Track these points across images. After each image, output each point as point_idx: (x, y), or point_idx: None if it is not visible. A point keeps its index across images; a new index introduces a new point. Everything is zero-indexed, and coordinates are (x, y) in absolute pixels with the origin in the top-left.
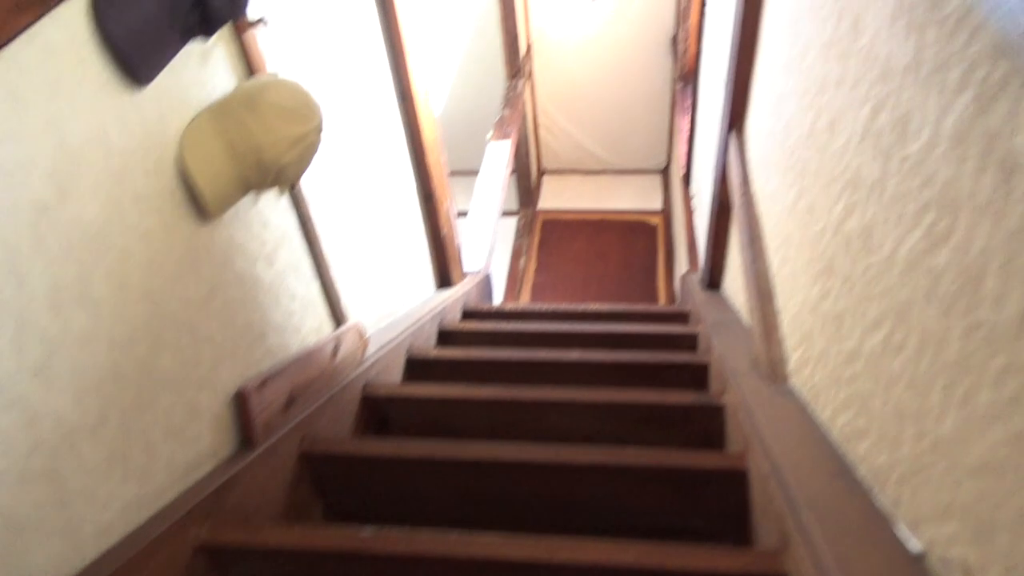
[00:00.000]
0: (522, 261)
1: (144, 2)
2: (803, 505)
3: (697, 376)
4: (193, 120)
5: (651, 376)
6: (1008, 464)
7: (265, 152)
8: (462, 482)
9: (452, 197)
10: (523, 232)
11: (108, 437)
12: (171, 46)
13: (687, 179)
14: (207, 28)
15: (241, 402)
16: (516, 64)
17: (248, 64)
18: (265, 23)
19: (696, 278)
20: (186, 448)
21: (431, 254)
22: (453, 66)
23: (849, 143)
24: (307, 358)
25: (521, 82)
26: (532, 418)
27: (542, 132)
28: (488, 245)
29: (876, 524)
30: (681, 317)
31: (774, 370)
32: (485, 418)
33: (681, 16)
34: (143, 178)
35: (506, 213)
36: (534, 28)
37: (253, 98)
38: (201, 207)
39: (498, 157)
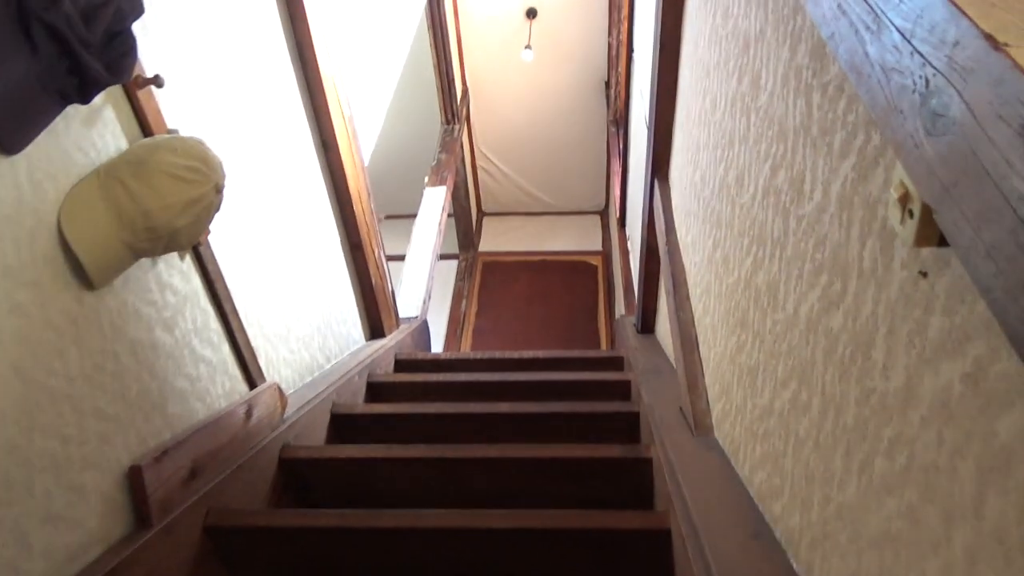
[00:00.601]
0: (463, 305)
1: (12, 69)
2: (718, 570)
3: (630, 426)
4: (76, 185)
5: (583, 427)
6: (902, 538)
7: (155, 217)
8: (381, 550)
9: (382, 245)
10: (464, 275)
11: None
12: (45, 112)
13: (622, 221)
14: (85, 94)
15: (134, 479)
16: (452, 109)
17: (143, 124)
18: (160, 82)
19: (631, 322)
20: (68, 534)
21: (360, 304)
22: (387, 111)
23: (755, 198)
24: (214, 425)
25: (457, 127)
26: (458, 477)
27: (481, 175)
28: (424, 291)
29: None
30: (616, 363)
31: (699, 421)
32: (410, 478)
33: (612, 62)
34: (14, 249)
35: (446, 256)
36: (469, 73)
37: (142, 160)
38: (85, 276)
39: (434, 202)
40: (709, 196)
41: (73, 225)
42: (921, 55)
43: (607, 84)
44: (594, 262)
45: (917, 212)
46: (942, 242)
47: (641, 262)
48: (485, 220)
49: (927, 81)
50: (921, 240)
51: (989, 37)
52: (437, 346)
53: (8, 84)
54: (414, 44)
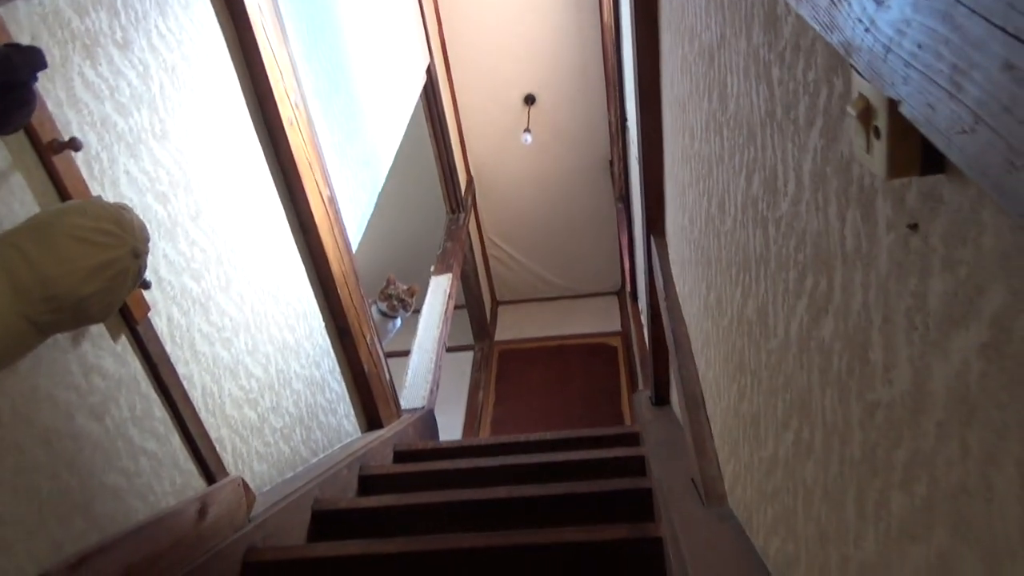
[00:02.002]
0: (480, 396)
1: None
2: None
3: (642, 504)
4: None
5: (591, 509)
6: None
7: (56, 284)
8: None
9: (375, 331)
10: (480, 366)
11: None
12: None
13: (634, 295)
14: None
15: None
16: (456, 197)
17: (60, 191)
18: (78, 146)
19: (646, 395)
20: None
21: (353, 393)
22: (389, 203)
23: (736, 219)
24: (156, 525)
25: (463, 216)
26: (447, 572)
27: (492, 263)
28: (431, 380)
29: None
30: (631, 438)
31: (710, 490)
32: None
33: (613, 139)
34: None
35: (462, 348)
36: (473, 162)
37: (44, 224)
38: None
39: (440, 289)
40: (698, 236)
41: None
42: None
43: (611, 162)
44: (613, 343)
45: (884, 124)
46: (924, 168)
47: (649, 328)
48: (500, 309)
49: None
50: (897, 166)
51: None
52: (449, 437)
53: None
54: (413, 136)
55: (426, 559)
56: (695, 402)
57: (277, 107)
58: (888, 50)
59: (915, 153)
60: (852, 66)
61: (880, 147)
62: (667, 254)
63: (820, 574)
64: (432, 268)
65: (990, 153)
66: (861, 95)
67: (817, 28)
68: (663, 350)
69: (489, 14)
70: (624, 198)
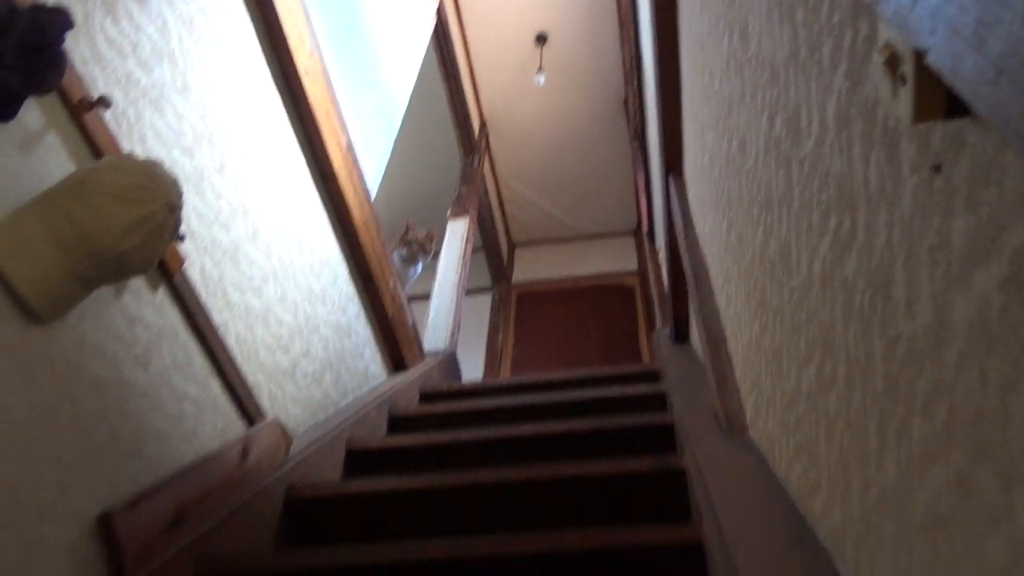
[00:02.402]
0: (500, 338)
1: None
2: None
3: (664, 438)
4: (15, 213)
5: (614, 444)
6: (955, 517)
7: (97, 240)
8: None
9: (397, 276)
10: (498, 308)
11: None
12: None
13: (651, 235)
14: (3, 110)
15: (105, 528)
16: (470, 141)
17: (93, 148)
18: (108, 103)
19: (665, 333)
20: None
21: (378, 337)
22: (404, 149)
23: (757, 159)
24: (203, 466)
25: (477, 158)
26: (481, 505)
27: (508, 206)
28: (451, 323)
29: None
30: (650, 376)
31: (732, 422)
32: (430, 511)
33: (628, 78)
34: None
35: (480, 290)
36: (485, 104)
37: (82, 182)
38: (30, 310)
39: (457, 233)
40: (719, 176)
41: (11, 256)
42: None
43: (625, 101)
44: (630, 283)
45: (910, 72)
46: (949, 113)
47: (668, 267)
48: (516, 251)
49: None
50: (922, 111)
51: None
52: (471, 379)
53: None
54: (424, 75)
55: (456, 493)
56: (716, 338)
57: (293, 56)
58: (915, 1)
59: (940, 100)
60: (879, 15)
61: (906, 93)
62: (686, 194)
63: (842, 499)
64: (449, 212)
65: (1012, 104)
66: (887, 43)
67: None
68: (682, 289)
69: None
70: (639, 137)
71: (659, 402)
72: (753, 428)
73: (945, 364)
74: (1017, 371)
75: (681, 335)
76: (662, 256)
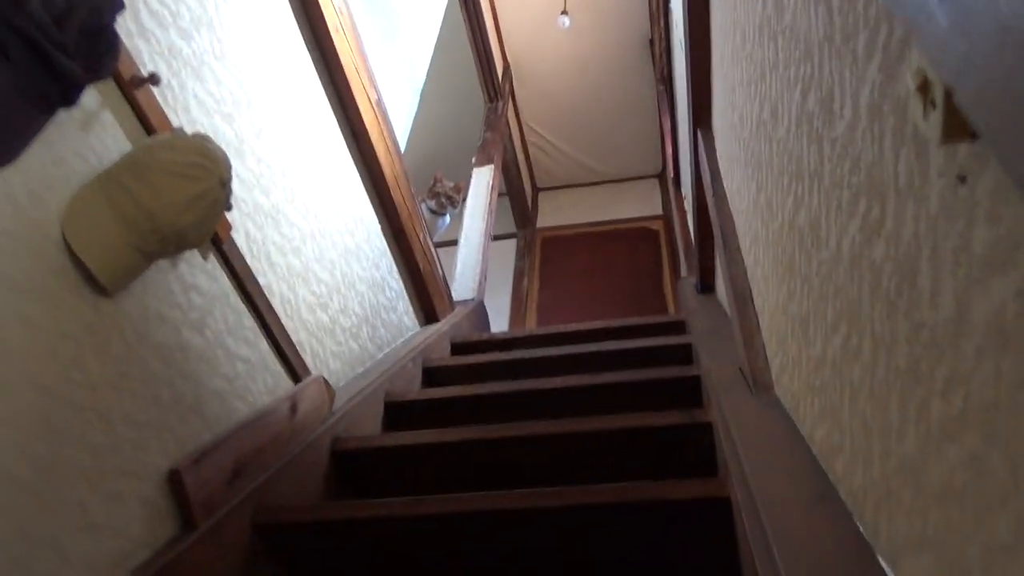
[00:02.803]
0: (525, 283)
1: None
2: (776, 541)
3: (692, 390)
4: (79, 192)
5: (642, 396)
6: (968, 491)
7: (159, 217)
8: (433, 537)
9: (426, 229)
10: (524, 253)
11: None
12: (30, 121)
13: (677, 181)
14: (67, 97)
15: (174, 482)
16: (494, 86)
17: (145, 124)
18: (157, 80)
19: (691, 282)
20: (110, 542)
21: (410, 290)
22: (426, 95)
23: (789, 130)
24: (257, 422)
25: (501, 104)
26: (513, 456)
27: (532, 150)
28: (479, 272)
29: (856, 561)
30: (677, 327)
31: (758, 379)
32: (464, 461)
33: (654, 18)
34: (17, 263)
35: (505, 236)
36: (509, 48)
37: (140, 162)
38: (98, 283)
39: (483, 181)
40: (748, 137)
41: (78, 233)
42: None
43: (651, 42)
44: (655, 227)
45: (940, 100)
46: (975, 135)
47: (695, 218)
48: (540, 196)
49: None
50: (949, 134)
51: None
52: (500, 327)
53: None
54: (447, 22)
55: (495, 445)
56: (743, 297)
57: (322, 12)
58: (946, 44)
59: (967, 125)
60: (913, 43)
61: (935, 117)
62: (714, 148)
63: (864, 463)
64: (473, 160)
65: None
66: (920, 68)
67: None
68: (709, 241)
69: None
70: (666, 80)
71: (685, 354)
72: (778, 385)
73: (964, 355)
74: None
75: (707, 286)
76: (688, 203)
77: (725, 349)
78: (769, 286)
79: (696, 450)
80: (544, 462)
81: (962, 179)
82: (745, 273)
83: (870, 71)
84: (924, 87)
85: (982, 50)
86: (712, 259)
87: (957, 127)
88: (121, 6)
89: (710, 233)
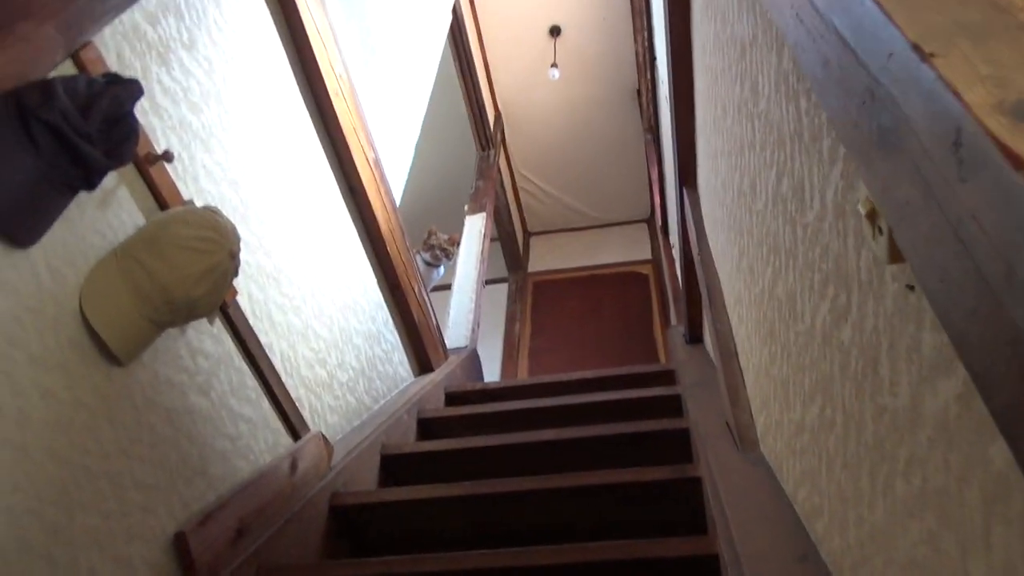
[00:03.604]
0: (517, 327)
1: (17, 167)
2: None
3: (681, 443)
4: (96, 266)
5: (633, 449)
6: (928, 566)
7: (172, 290)
8: None
9: (421, 280)
10: (515, 297)
11: None
12: (55, 204)
13: (665, 229)
14: (90, 182)
15: (180, 545)
16: (486, 135)
17: (158, 198)
18: (170, 157)
19: (680, 332)
20: None
21: (405, 341)
22: (420, 147)
23: (767, 206)
24: (259, 481)
25: (493, 152)
26: (507, 511)
27: (523, 196)
28: (472, 320)
29: None
30: (667, 376)
31: (744, 436)
32: (459, 516)
33: (641, 69)
34: (38, 337)
35: (497, 280)
36: (500, 97)
37: (155, 237)
38: (112, 354)
39: (475, 229)
40: (731, 203)
41: (94, 307)
42: (865, 67)
43: (638, 92)
44: (644, 271)
45: (885, 229)
46: None
47: (683, 271)
48: (532, 240)
49: (872, 93)
50: (894, 257)
51: (916, 47)
52: (492, 372)
53: (15, 182)
54: (441, 76)
55: (488, 500)
56: (728, 352)
57: (323, 80)
58: (887, 190)
59: None
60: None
61: (882, 241)
62: (700, 208)
63: (841, 527)
64: (466, 208)
65: (950, 307)
66: (868, 199)
67: (835, 127)
68: (696, 295)
69: None
70: (653, 130)
71: (675, 405)
72: (763, 443)
73: (919, 442)
74: (969, 466)
75: (696, 337)
76: (676, 252)
77: (713, 402)
78: (753, 346)
79: (686, 504)
80: (538, 517)
81: (911, 288)
82: (730, 330)
83: (834, 174)
84: (872, 215)
85: (919, 207)
86: (699, 312)
87: (900, 252)
88: (140, 93)
89: (697, 288)
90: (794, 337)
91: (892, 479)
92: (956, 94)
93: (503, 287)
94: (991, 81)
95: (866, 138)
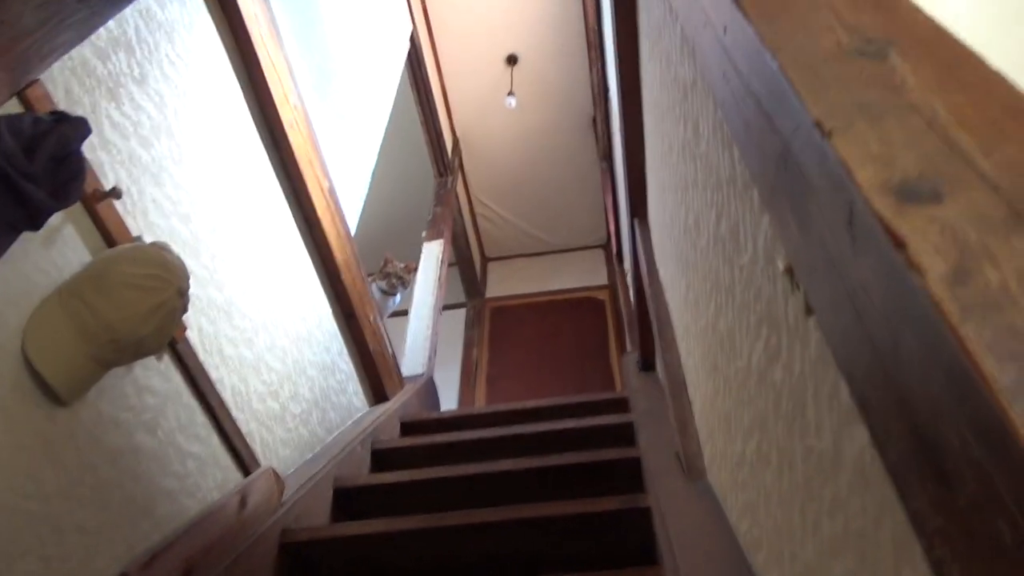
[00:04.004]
0: (475, 353)
1: None
2: None
3: (632, 473)
4: (39, 306)
5: (587, 478)
6: None
7: (118, 329)
8: None
9: (377, 309)
10: (473, 323)
11: None
12: None
13: (620, 256)
14: (35, 222)
15: None
16: (444, 161)
17: (105, 235)
18: (118, 194)
19: (634, 359)
20: None
21: (360, 371)
22: (378, 173)
23: (709, 244)
24: (207, 519)
25: (450, 179)
26: (460, 544)
27: (481, 222)
28: (428, 347)
29: None
30: (621, 404)
31: (692, 465)
32: (412, 550)
33: (596, 99)
34: None
35: (455, 306)
36: (458, 124)
37: (101, 275)
38: (55, 395)
39: (432, 255)
40: (678, 237)
41: (37, 346)
42: (779, 135)
43: (594, 120)
44: (601, 296)
45: (802, 286)
46: None
47: (636, 300)
48: (489, 266)
49: (785, 161)
50: (810, 311)
51: (817, 124)
52: (450, 398)
53: None
54: (398, 102)
55: (442, 533)
56: (677, 383)
57: (278, 111)
58: (798, 251)
59: None
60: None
61: (800, 296)
62: (650, 240)
63: (778, 561)
64: (424, 234)
65: (853, 369)
66: (786, 256)
67: (757, 185)
68: (648, 323)
69: None
70: (608, 158)
71: (628, 433)
72: (710, 473)
73: (841, 485)
74: (881, 511)
75: (648, 364)
76: (630, 279)
77: (663, 431)
78: (699, 378)
79: (637, 534)
80: (491, 548)
81: None
82: (679, 361)
83: (763, 222)
84: (790, 270)
85: (823, 273)
86: (651, 341)
87: None
88: (88, 131)
89: (648, 318)
90: (734, 372)
91: (820, 518)
92: (849, 172)
93: (461, 313)
94: (880, 160)
95: (781, 202)
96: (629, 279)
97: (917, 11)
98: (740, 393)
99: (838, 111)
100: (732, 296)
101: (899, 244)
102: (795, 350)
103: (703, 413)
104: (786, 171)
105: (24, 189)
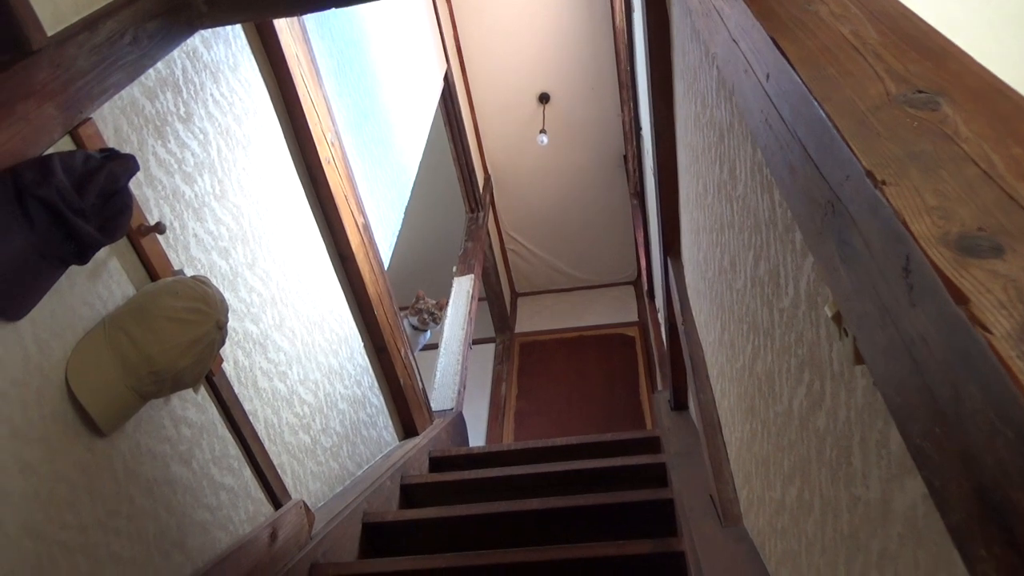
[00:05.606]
0: (504, 388)
1: (11, 242)
2: None
3: (664, 515)
4: (84, 337)
5: (617, 519)
6: None
7: (157, 360)
8: None
9: (407, 344)
10: (502, 358)
11: None
12: (46, 278)
13: (651, 293)
14: (82, 257)
15: None
16: (475, 197)
17: (149, 269)
18: (162, 229)
19: (665, 397)
20: None
21: (390, 405)
22: (411, 208)
23: (746, 286)
24: (238, 552)
25: (482, 215)
26: None
27: (511, 257)
28: (458, 382)
29: None
30: (652, 444)
31: (727, 510)
32: None
33: (628, 137)
34: (21, 411)
35: (484, 340)
36: (490, 160)
37: (143, 308)
38: (95, 426)
39: (463, 290)
40: (713, 277)
41: (80, 377)
42: (827, 182)
43: (625, 158)
44: (631, 333)
45: (851, 332)
46: None
47: (668, 339)
48: (519, 301)
49: (833, 207)
50: (859, 359)
51: (869, 174)
52: (478, 434)
53: (7, 258)
54: (431, 139)
55: (471, 573)
56: (712, 425)
57: (316, 149)
58: (849, 300)
59: None
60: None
61: (848, 343)
62: (684, 278)
63: None
64: (454, 269)
65: (908, 421)
66: (834, 302)
67: (802, 233)
68: (680, 362)
69: (503, 16)
70: (639, 195)
71: (660, 474)
72: (746, 519)
73: (891, 537)
74: (937, 566)
75: (681, 403)
76: (661, 316)
77: (697, 473)
78: (735, 420)
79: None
80: None
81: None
82: (714, 402)
83: (806, 265)
84: (838, 317)
85: (876, 321)
86: (684, 379)
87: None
88: (136, 168)
89: (681, 356)
90: (773, 416)
91: (867, 571)
92: (904, 223)
93: (490, 347)
94: (937, 212)
95: (829, 247)
96: (661, 316)
97: (966, 59)
98: (780, 438)
99: (890, 161)
100: (771, 339)
101: (960, 300)
102: (840, 396)
103: (739, 456)
104: (834, 217)
105: (74, 224)
